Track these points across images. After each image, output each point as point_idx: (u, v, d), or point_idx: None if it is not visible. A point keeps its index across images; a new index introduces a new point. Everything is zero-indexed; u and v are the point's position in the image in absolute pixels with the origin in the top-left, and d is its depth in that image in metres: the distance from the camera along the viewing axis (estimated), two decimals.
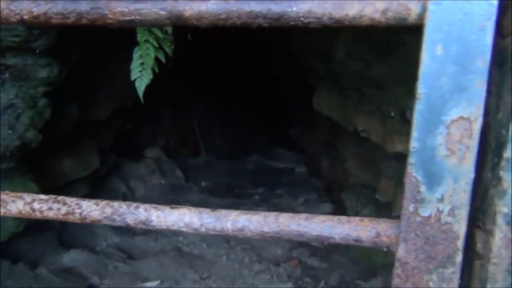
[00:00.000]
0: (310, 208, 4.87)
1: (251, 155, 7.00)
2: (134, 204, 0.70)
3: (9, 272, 2.86)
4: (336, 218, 0.65)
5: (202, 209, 0.69)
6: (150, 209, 0.69)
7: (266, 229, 0.65)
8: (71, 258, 3.34)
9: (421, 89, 0.58)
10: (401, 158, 2.84)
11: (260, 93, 7.23)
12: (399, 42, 2.37)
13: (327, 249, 4.04)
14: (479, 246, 0.61)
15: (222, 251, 3.80)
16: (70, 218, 0.70)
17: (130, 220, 0.69)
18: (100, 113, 3.55)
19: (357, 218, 0.64)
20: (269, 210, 5.02)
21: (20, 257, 3.07)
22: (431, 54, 0.57)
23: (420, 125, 0.58)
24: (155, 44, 1.94)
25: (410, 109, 2.04)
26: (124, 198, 4.65)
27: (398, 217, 0.62)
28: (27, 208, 0.71)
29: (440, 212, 0.59)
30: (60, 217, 0.70)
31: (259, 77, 6.92)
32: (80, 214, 0.70)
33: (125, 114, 4.36)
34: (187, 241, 3.97)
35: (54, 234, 3.57)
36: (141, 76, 2.02)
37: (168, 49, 2.02)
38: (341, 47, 2.84)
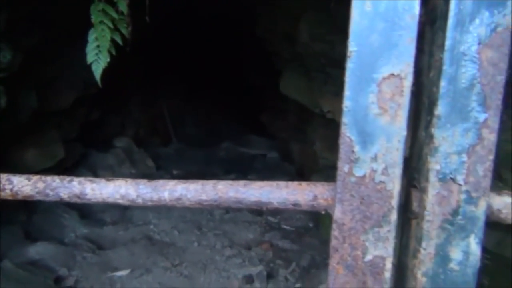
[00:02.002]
0: None
1: (223, 142, 6.98)
2: (68, 178, 0.67)
3: None
4: (274, 183, 0.64)
5: (139, 180, 0.67)
6: (85, 182, 0.67)
7: (204, 197, 0.64)
8: (37, 250, 3.26)
9: (352, 47, 0.57)
10: None
11: (231, 80, 7.18)
12: None
13: (299, 232, 4.08)
14: (414, 205, 0.61)
15: (193, 238, 3.78)
16: (2, 194, 0.67)
17: (64, 194, 0.66)
18: (62, 102, 3.45)
19: (296, 182, 0.64)
20: None
21: None
22: (361, 11, 0.56)
23: (352, 84, 0.58)
24: (111, 25, 1.89)
25: None
26: None
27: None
28: None
29: (374, 171, 0.58)
30: None
31: (229, 64, 6.87)
32: (11, 190, 0.67)
33: (90, 103, 4.25)
34: (158, 229, 3.94)
35: (20, 227, 3.49)
36: (97, 59, 1.96)
37: (125, 30, 1.97)
38: (304, 28, 2.83)
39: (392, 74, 0.57)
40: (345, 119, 0.58)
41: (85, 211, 4.05)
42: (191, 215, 4.24)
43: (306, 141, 4.54)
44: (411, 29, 0.56)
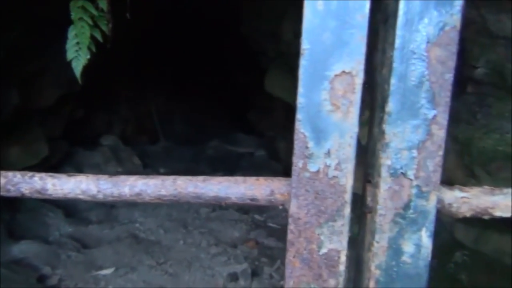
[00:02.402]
0: None
1: (211, 140, 6.97)
2: (30, 173, 0.68)
3: None
4: (233, 178, 0.65)
5: (100, 176, 0.67)
6: (46, 177, 0.67)
7: (163, 192, 0.65)
8: (21, 249, 3.24)
9: (305, 44, 0.58)
10: None
11: (218, 77, 7.17)
12: None
13: (285, 230, 4.09)
14: (369, 199, 0.63)
15: (179, 236, 3.79)
16: None
17: (25, 189, 0.67)
18: (45, 99, 3.43)
19: (253, 178, 0.65)
20: None
21: None
22: (313, 9, 0.57)
23: (306, 81, 0.59)
24: (90, 22, 1.88)
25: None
26: None
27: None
28: None
29: (327, 166, 0.60)
30: None
31: (216, 62, 6.86)
32: None
33: (75, 100, 4.23)
34: (143, 228, 3.93)
35: (3, 226, 3.46)
36: (77, 56, 1.95)
37: (105, 27, 1.96)
38: (288, 27, 2.84)
39: (344, 72, 0.58)
40: (299, 116, 0.59)
41: (70, 210, 4.03)
42: (177, 214, 4.24)
43: (292, 139, 4.55)
44: (362, 28, 0.57)
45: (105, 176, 0.68)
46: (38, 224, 3.74)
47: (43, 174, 0.68)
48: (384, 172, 0.60)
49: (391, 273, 0.63)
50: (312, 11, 0.58)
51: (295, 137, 0.60)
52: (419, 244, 0.62)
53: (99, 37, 1.94)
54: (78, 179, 0.67)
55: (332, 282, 0.63)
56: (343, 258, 0.62)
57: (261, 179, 0.65)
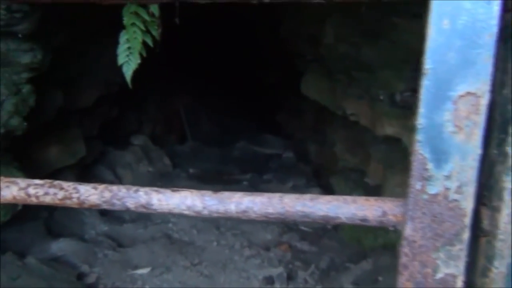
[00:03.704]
0: (299, 193, 4.88)
1: (238, 141, 6.98)
2: (134, 188, 0.68)
3: None
4: (341, 198, 0.64)
5: (204, 192, 0.67)
6: (151, 192, 0.67)
7: (270, 210, 0.64)
8: (60, 247, 3.30)
9: (428, 64, 0.57)
10: (390, 141, 2.86)
11: (247, 79, 7.18)
12: (388, 24, 2.36)
13: (317, 233, 4.07)
14: (485, 223, 0.61)
15: (212, 237, 3.80)
16: (68, 203, 0.68)
17: (130, 204, 0.67)
18: (85, 100, 3.49)
19: (363, 197, 0.64)
20: None
21: (8, 246, 3.03)
22: (438, 28, 0.56)
23: (427, 101, 0.57)
24: (142, 27, 1.90)
25: (400, 91, 2.04)
26: None
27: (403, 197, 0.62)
28: (22, 194, 0.68)
29: (447, 189, 0.58)
30: (57, 202, 0.68)
31: (246, 63, 6.87)
32: (78, 198, 0.68)
33: (110, 101, 4.29)
34: (176, 228, 3.96)
35: (42, 223, 3.53)
36: (128, 60, 1.97)
37: (155, 32, 1.98)
38: (329, 30, 2.82)
39: (469, 92, 0.56)
40: (419, 137, 0.58)
41: (104, 209, 4.09)
42: None
43: (324, 141, 4.53)
44: (489, 48, 0.56)
45: (210, 193, 0.68)
46: (75, 222, 3.80)
47: (147, 189, 0.69)
48: (506, 196, 0.58)
49: None
50: (437, 30, 0.56)
51: (414, 158, 0.59)
52: None
53: (150, 42, 1.96)
54: (183, 195, 0.67)
55: None
56: (459, 283, 0.60)
57: (371, 199, 0.63)
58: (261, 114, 7.22)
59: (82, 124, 3.84)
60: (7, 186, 0.69)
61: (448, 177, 0.58)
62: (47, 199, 0.68)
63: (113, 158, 4.98)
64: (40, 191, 0.68)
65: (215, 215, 0.66)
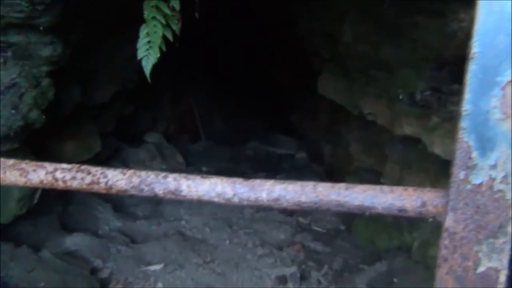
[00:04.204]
0: None
1: (251, 141, 6.96)
2: (162, 174, 0.67)
3: (12, 255, 2.83)
4: (378, 187, 0.62)
5: (234, 179, 0.65)
6: (180, 178, 0.66)
7: (303, 199, 0.62)
8: (74, 241, 3.31)
9: (476, 48, 0.54)
10: (408, 141, 2.82)
11: (261, 78, 7.16)
12: (409, 23, 2.32)
13: (330, 234, 4.04)
14: None
15: (225, 235, 3.78)
16: (95, 188, 0.67)
17: (159, 190, 0.66)
18: (101, 96, 3.50)
19: (400, 187, 0.61)
20: None
21: (23, 240, 3.05)
22: (488, 11, 0.53)
23: (474, 86, 0.55)
24: (163, 21, 1.89)
25: (420, 91, 2.00)
26: None
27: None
28: (49, 178, 0.67)
29: (492, 179, 0.55)
30: (84, 187, 0.67)
31: (260, 62, 6.85)
32: (106, 183, 0.67)
33: (125, 97, 4.30)
34: (189, 225, 3.96)
35: (56, 218, 3.54)
36: (148, 55, 1.97)
37: (175, 27, 1.97)
38: (348, 29, 2.79)
39: None
40: (464, 123, 0.55)
41: (118, 204, 4.10)
42: (221, 213, 4.25)
43: (338, 142, 4.49)
44: None
45: (240, 180, 0.66)
46: (88, 218, 3.81)
47: (176, 175, 0.67)
48: None
49: None
50: (487, 13, 0.54)
51: (457, 146, 0.56)
52: None
53: (170, 36, 1.95)
54: (213, 182, 0.65)
55: None
56: (502, 278, 0.58)
57: (409, 189, 0.61)
58: (274, 114, 7.20)
59: (98, 120, 3.86)
60: (34, 170, 0.68)
61: (493, 167, 0.55)
62: (74, 184, 0.67)
63: (127, 155, 5.00)
64: (68, 176, 0.67)
65: (246, 203, 0.64)
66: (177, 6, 1.94)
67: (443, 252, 0.58)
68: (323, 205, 0.62)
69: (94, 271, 3.12)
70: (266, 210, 4.45)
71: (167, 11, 1.90)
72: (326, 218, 4.29)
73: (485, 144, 0.55)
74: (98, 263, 3.21)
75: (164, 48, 1.98)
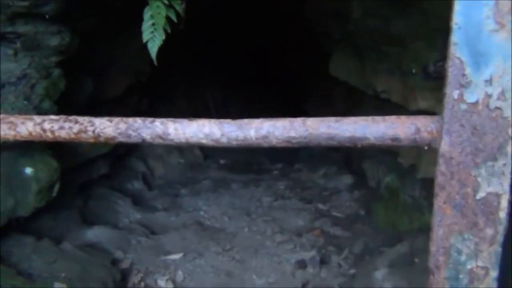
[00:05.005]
0: (331, 180, 4.81)
1: None
2: (149, 119, 0.66)
3: (34, 248, 2.88)
4: (370, 118, 0.59)
5: (222, 120, 0.64)
6: (167, 122, 0.64)
7: (293, 134, 0.60)
8: (95, 234, 3.36)
9: None
10: None
11: (275, 68, 7.13)
12: None
13: (350, 219, 3.99)
14: None
15: (243, 224, 3.78)
16: (83, 137, 0.66)
17: (146, 134, 0.64)
18: (115, 89, 3.53)
19: (394, 116, 0.58)
20: (289, 184, 4.90)
21: (44, 233, 3.10)
22: None
23: None
24: (166, 1, 1.88)
25: (433, 62, 1.94)
26: (144, 178, 4.67)
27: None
28: (38, 129, 0.67)
29: (488, 96, 0.52)
30: (73, 136, 0.66)
31: (273, 51, 6.82)
32: (93, 132, 0.66)
33: (139, 91, 4.33)
34: (208, 215, 3.97)
35: (77, 212, 3.60)
36: (153, 37, 1.96)
37: (179, 7, 1.96)
38: (357, 5, 2.74)
39: None
40: (455, 38, 0.52)
41: (137, 198, 4.15)
42: (239, 202, 4.25)
43: None
44: None
45: (228, 120, 0.64)
46: (109, 211, 3.86)
47: (163, 119, 0.66)
48: None
49: None
50: None
51: (449, 63, 0.53)
52: None
53: (173, 17, 1.94)
54: (201, 123, 0.64)
55: (489, 231, 0.55)
56: (504, 203, 0.54)
57: (403, 117, 0.58)
58: (290, 103, 7.16)
59: (113, 114, 3.88)
60: (23, 123, 0.68)
61: (489, 82, 0.52)
62: (63, 134, 0.67)
63: (145, 149, 5.04)
64: (55, 126, 0.66)
65: (234, 142, 0.62)
66: None
67: (439, 179, 0.55)
68: (313, 139, 0.60)
69: (115, 261, 3.16)
70: (284, 197, 4.43)
71: None
72: (346, 204, 4.24)
73: (479, 59, 0.52)
74: (119, 254, 3.25)
75: (169, 30, 1.98)
